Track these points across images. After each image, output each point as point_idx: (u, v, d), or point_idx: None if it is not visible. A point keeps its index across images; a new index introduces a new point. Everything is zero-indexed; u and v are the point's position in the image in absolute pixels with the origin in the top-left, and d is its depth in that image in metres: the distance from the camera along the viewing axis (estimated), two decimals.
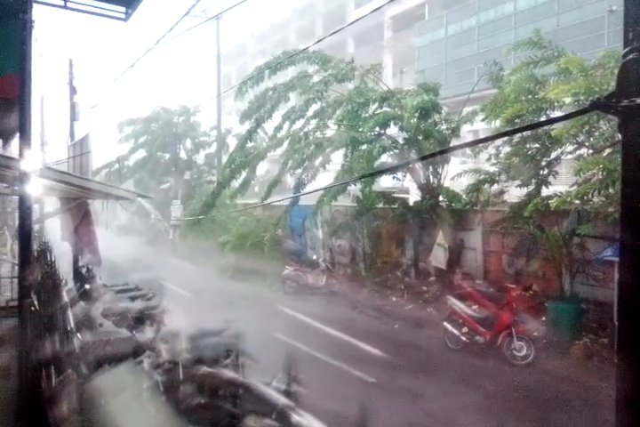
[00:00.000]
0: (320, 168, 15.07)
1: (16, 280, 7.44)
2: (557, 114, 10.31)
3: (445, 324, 10.44)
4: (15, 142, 7.29)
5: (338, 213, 17.49)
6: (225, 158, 23.66)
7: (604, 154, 9.64)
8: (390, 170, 14.18)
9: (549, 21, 18.75)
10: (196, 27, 16.48)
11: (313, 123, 15.53)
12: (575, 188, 9.77)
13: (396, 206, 15.04)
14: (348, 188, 14.22)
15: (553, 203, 9.64)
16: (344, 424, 3.20)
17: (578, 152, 10.81)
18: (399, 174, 15.16)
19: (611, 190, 8.91)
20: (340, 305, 14.33)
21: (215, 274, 18.97)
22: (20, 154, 5.34)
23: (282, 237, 18.65)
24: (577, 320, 10.26)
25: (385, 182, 18.96)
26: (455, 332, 10.20)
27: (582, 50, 12.87)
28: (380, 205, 14.84)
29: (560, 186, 11.11)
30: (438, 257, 13.77)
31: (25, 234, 5.56)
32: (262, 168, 23.28)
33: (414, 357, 10.07)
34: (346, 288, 15.86)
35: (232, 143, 26.10)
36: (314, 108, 15.28)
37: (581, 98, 9.53)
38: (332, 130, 15.39)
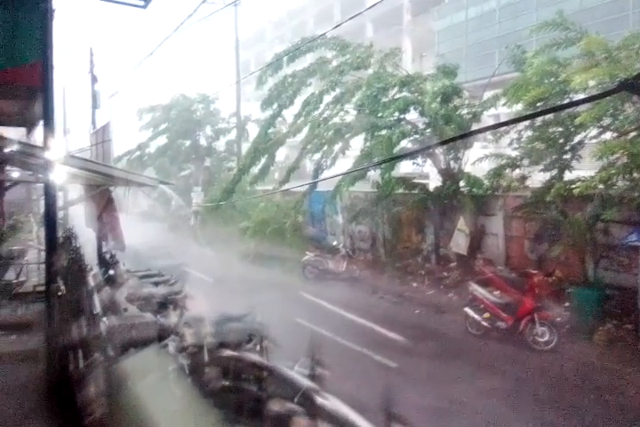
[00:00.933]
0: (339, 153, 15.03)
1: (43, 266, 7.60)
2: (581, 96, 10.12)
3: (467, 309, 10.43)
4: (39, 131, 7.43)
5: (357, 198, 17.45)
6: (244, 145, 23.74)
7: (629, 137, 9.46)
8: (410, 155, 14.09)
9: (572, 2, 18.31)
10: (214, 13, 16.48)
11: (332, 108, 15.45)
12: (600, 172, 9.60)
13: (416, 192, 14.95)
14: (368, 173, 14.19)
15: (577, 188, 9.50)
16: (365, 407, 3.24)
17: (602, 136, 10.61)
18: (419, 160, 15.08)
19: (635, 175, 8.77)
20: (360, 291, 14.38)
21: (236, 260, 19.11)
22: (45, 142, 5.43)
23: (302, 222, 18.70)
24: (600, 306, 10.13)
25: (405, 168, 18.87)
26: (476, 317, 10.18)
27: (606, 31, 12.55)
28: (400, 191, 14.76)
29: (583, 171, 10.95)
30: (459, 243, 13.72)
31: (50, 221, 5.67)
32: (282, 154, 23.28)
33: (436, 342, 10.09)
34: (366, 274, 15.90)
35: (251, 130, 26.13)
36: (333, 93, 15.19)
37: (606, 80, 9.34)
38: (351, 115, 15.31)
